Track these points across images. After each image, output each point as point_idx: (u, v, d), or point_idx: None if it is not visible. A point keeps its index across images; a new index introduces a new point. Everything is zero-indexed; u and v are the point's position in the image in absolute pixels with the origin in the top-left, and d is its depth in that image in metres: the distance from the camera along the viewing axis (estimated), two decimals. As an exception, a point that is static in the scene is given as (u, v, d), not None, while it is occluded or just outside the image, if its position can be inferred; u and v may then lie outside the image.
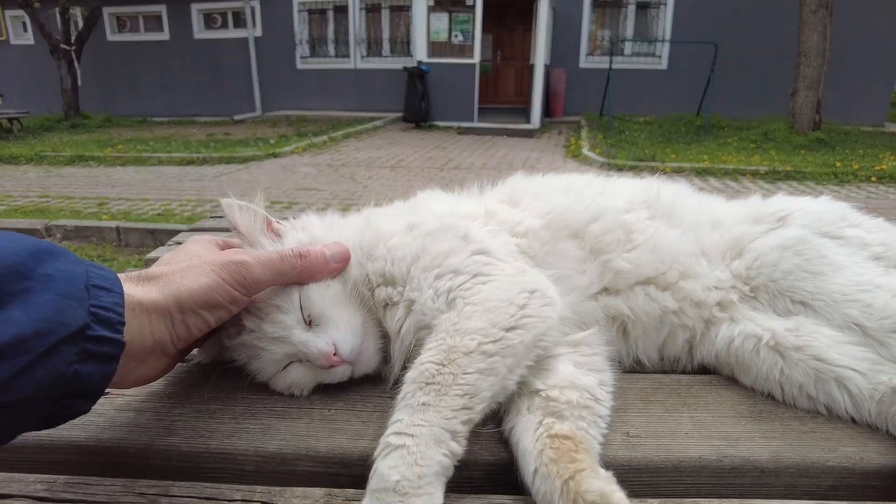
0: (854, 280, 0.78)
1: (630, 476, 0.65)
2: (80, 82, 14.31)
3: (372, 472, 0.57)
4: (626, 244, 0.85)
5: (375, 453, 0.59)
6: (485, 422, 0.67)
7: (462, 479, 0.65)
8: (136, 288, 0.61)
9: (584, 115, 14.01)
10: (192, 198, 6.66)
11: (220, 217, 1.76)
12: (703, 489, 0.66)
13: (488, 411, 0.66)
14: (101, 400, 0.77)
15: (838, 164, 8.46)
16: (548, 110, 14.54)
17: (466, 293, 0.72)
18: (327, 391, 0.78)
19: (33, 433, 0.70)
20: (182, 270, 0.66)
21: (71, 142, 11.14)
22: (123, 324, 0.55)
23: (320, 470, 0.67)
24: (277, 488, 0.63)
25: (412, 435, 0.58)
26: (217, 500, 0.62)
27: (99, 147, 10.27)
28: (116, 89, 16.42)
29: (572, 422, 0.65)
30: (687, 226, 0.89)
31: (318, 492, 0.62)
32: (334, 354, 0.73)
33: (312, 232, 0.85)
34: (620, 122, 12.51)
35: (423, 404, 0.61)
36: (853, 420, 0.73)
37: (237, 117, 15.08)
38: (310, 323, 0.76)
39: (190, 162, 9.25)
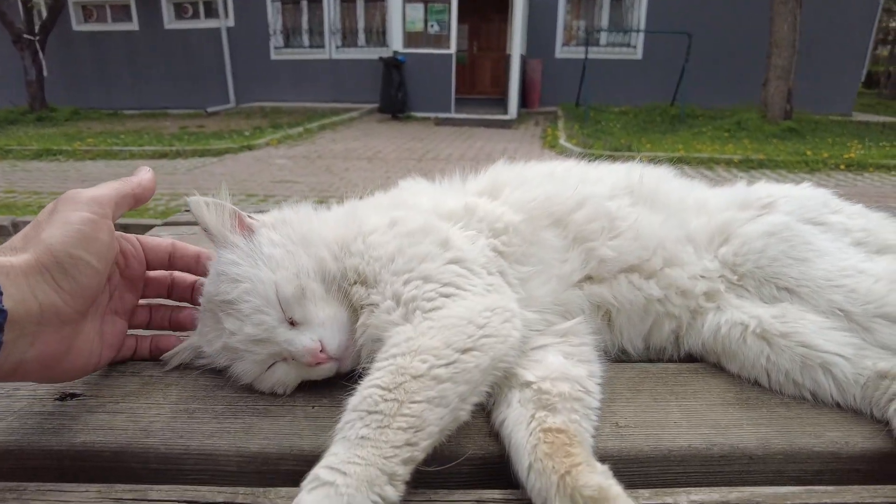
0: (838, 266, 0.79)
1: (621, 467, 0.64)
2: (45, 73, 13.87)
3: (294, 502, 0.52)
4: (610, 232, 0.84)
5: (303, 482, 0.54)
6: (427, 461, 0.59)
7: (450, 473, 0.64)
8: (8, 257, 0.61)
9: (560, 106, 14.06)
10: (166, 192, 6.51)
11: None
12: (692, 478, 0.66)
13: (436, 445, 0.60)
14: (73, 402, 0.75)
15: (809, 153, 8.65)
16: (524, 101, 14.55)
17: (427, 305, 0.69)
18: (311, 388, 0.76)
19: (0, 438, 0.68)
20: (43, 223, 0.66)
21: (37, 135, 10.80)
22: (1, 293, 0.55)
23: (305, 469, 0.64)
24: (261, 489, 0.61)
25: (344, 473, 0.53)
26: (198, 502, 0.59)
27: (67, 141, 9.98)
28: (84, 81, 15.95)
29: (565, 415, 0.64)
30: (671, 210, 0.89)
31: (303, 492, 0.60)
32: (321, 351, 0.71)
33: (290, 230, 0.80)
34: (596, 112, 12.58)
35: (362, 437, 0.56)
36: (838, 405, 0.73)
37: (210, 109, 14.79)
38: (292, 321, 0.73)
39: (163, 155, 9.04)
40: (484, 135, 11.06)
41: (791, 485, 0.65)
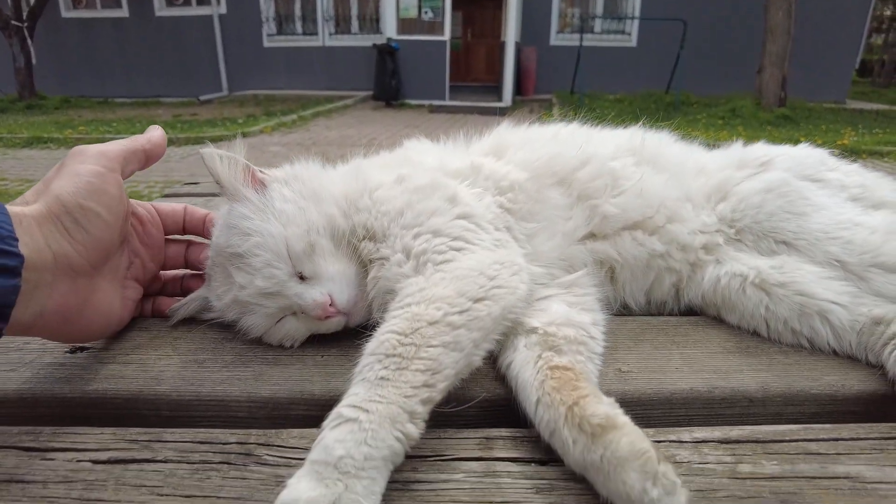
0: (834, 219, 0.80)
1: (624, 409, 0.65)
2: (34, 61, 13.70)
3: (317, 440, 0.53)
4: (614, 189, 0.85)
5: (325, 422, 0.54)
6: (442, 403, 0.60)
7: (458, 414, 0.65)
8: (23, 207, 0.62)
9: (555, 94, 14.03)
10: (160, 179, 6.47)
11: (195, 184, 1.72)
12: (695, 420, 0.68)
13: (451, 388, 0.62)
14: (83, 354, 0.76)
15: (802, 139, 8.63)
16: (519, 88, 14.51)
17: (438, 257, 0.71)
18: (320, 340, 0.78)
19: (13, 387, 0.69)
20: (54, 176, 0.66)
21: (27, 123, 10.69)
22: (16, 239, 0.56)
23: (316, 413, 0.65)
24: (273, 431, 0.62)
25: (367, 410, 0.54)
26: (212, 443, 0.61)
27: (58, 128, 9.88)
28: (74, 69, 15.76)
29: (570, 356, 0.65)
30: (672, 171, 0.90)
31: (315, 432, 0.61)
32: (330, 305, 0.73)
33: (301, 186, 0.80)
34: (591, 99, 12.54)
35: (382, 378, 0.57)
36: (834, 352, 0.75)
37: (203, 97, 14.67)
38: (301, 276, 0.74)
39: (155, 143, 8.98)
40: (479, 122, 10.91)
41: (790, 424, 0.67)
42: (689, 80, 12.27)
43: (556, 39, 14.89)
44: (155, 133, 0.79)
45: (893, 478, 0.56)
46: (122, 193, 0.71)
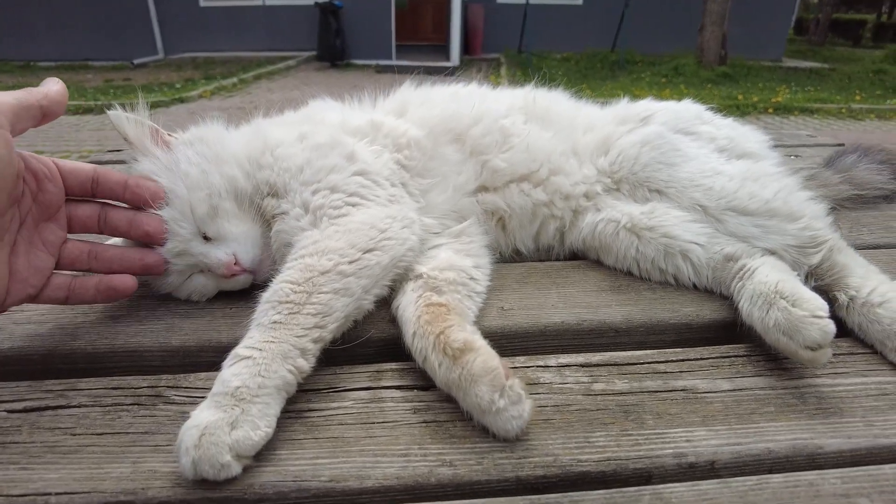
0: (700, 168, 0.90)
1: (504, 342, 0.74)
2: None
3: (217, 378, 0.58)
4: (503, 146, 0.92)
5: (224, 363, 0.59)
6: (336, 342, 0.67)
7: (357, 354, 0.72)
8: None
9: (503, 53, 13.95)
10: (93, 148, 6.18)
11: (118, 151, 1.70)
12: (567, 349, 0.77)
13: (343, 330, 0.68)
14: (1, 317, 0.78)
15: (740, 97, 8.98)
16: (467, 47, 14.34)
17: (334, 212, 0.76)
18: (230, 294, 0.82)
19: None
20: None
21: (-57, 90, 9.96)
22: None
23: (223, 359, 0.70)
24: (182, 375, 0.68)
25: (261, 350, 0.59)
26: (124, 388, 0.66)
27: (-23, 95, 9.24)
28: (-8, 30, 14.65)
29: (449, 295, 0.73)
30: (559, 128, 0.98)
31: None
32: (235, 264, 0.77)
33: (205, 148, 0.83)
34: (539, 58, 12.56)
35: (275, 322, 0.62)
36: (695, 286, 0.86)
37: (137, 61, 13.91)
38: (206, 237, 0.78)
39: (88, 110, 8.53)
40: (427, 82, 10.90)
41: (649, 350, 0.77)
42: (633, 39, 12.41)
43: (503, -3, 14.71)
44: (53, 87, 0.68)
45: (720, 388, 0.66)
46: (11, 153, 0.62)
